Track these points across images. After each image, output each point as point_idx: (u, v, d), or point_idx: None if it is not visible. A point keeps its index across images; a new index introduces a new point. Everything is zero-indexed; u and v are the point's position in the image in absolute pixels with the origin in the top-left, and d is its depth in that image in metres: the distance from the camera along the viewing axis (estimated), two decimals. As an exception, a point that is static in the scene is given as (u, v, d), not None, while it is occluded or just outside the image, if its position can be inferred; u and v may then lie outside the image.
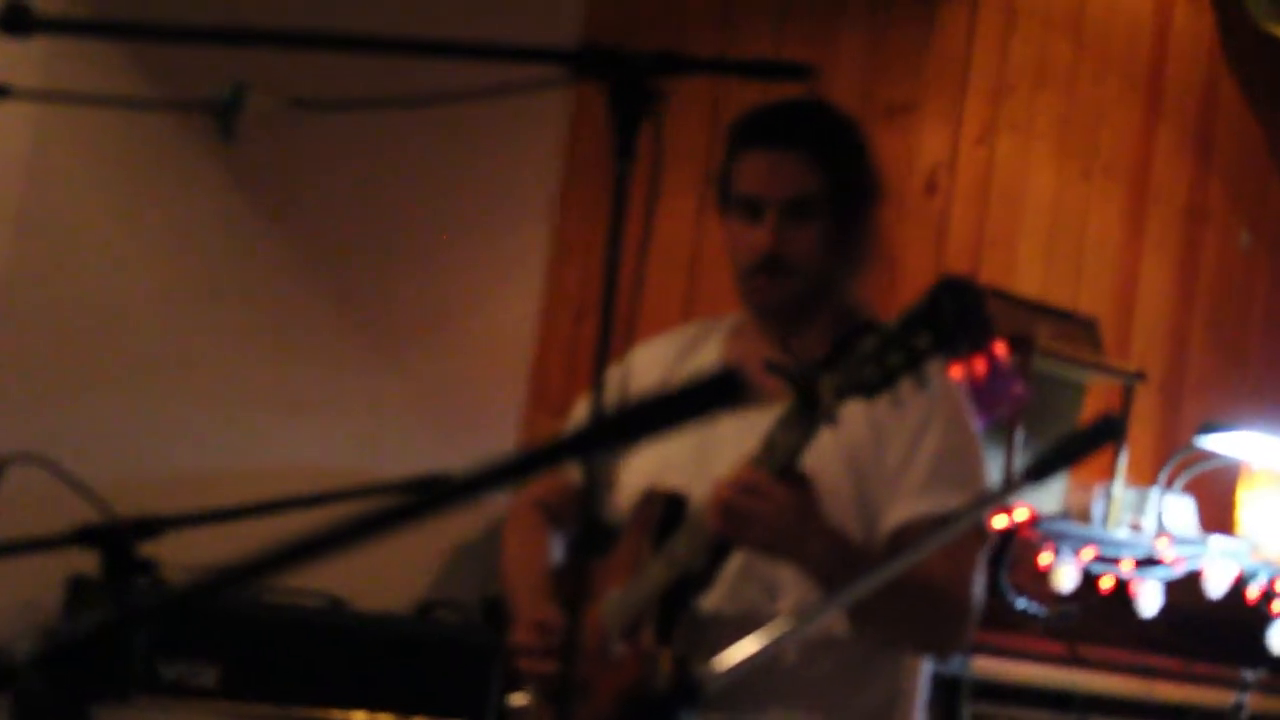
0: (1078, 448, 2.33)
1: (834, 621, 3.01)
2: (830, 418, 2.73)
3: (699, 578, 2.96)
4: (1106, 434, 2.36)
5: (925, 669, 3.21)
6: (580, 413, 3.36)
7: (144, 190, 4.66)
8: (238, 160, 4.68)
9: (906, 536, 2.97)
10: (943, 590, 2.99)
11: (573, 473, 3.23)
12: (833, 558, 2.84)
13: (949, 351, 2.66)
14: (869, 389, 2.66)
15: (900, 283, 5.43)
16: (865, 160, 3.18)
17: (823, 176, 3.08)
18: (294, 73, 4.34)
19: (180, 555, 3.90)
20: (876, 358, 2.64)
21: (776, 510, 2.80)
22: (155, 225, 4.68)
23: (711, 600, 3.00)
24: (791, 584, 2.97)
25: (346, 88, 4.28)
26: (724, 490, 2.82)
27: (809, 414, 2.74)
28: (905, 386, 2.65)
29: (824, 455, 2.91)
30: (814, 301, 3.13)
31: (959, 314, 2.60)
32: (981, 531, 3.11)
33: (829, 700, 3.07)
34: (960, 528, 2.62)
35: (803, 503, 2.83)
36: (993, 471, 4.00)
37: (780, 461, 2.79)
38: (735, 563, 3.00)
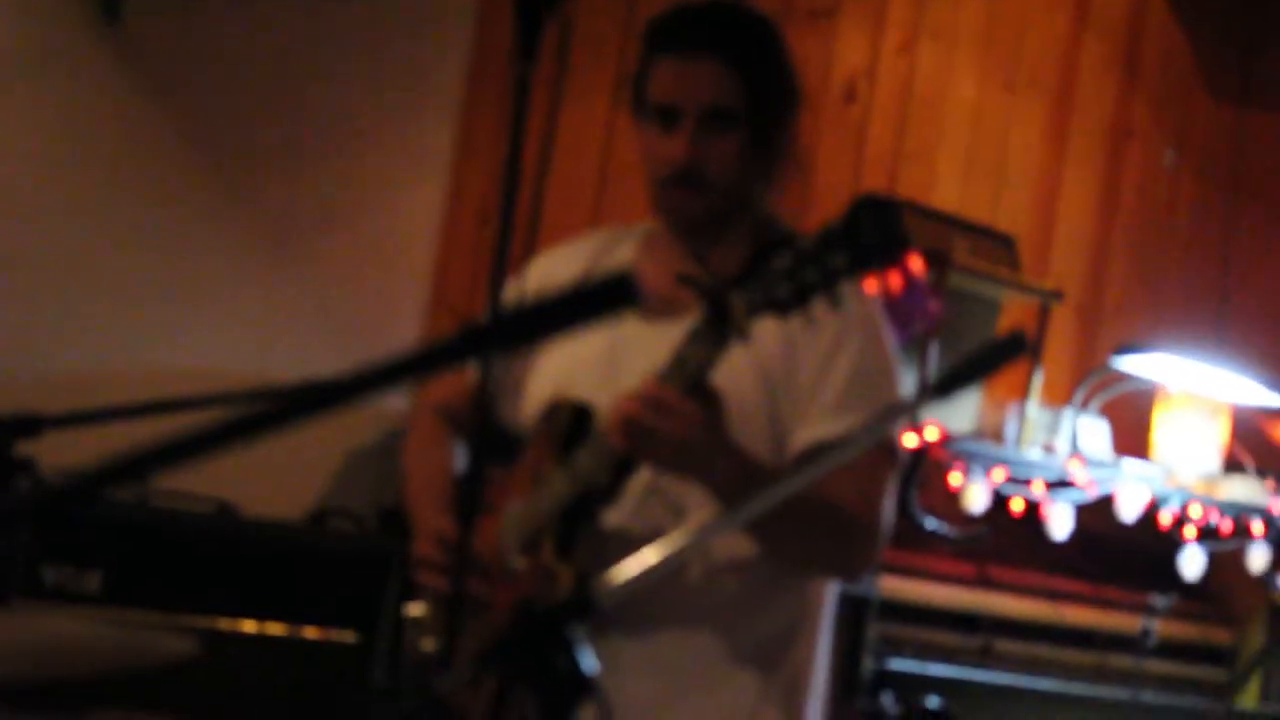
0: (985, 363, 2.26)
1: (740, 543, 2.95)
2: (742, 333, 2.65)
3: (603, 493, 2.90)
4: (1013, 349, 2.29)
5: (832, 591, 3.16)
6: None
7: (24, 74, 4.52)
8: (125, 43, 4.54)
9: (815, 458, 2.88)
10: (851, 513, 2.94)
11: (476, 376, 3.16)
12: (738, 478, 2.78)
13: (865, 271, 2.57)
14: (782, 306, 2.59)
15: (816, 194, 5.37)
16: (784, 66, 3.11)
17: (741, 84, 2.99)
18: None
19: (62, 456, 3.77)
20: (791, 275, 2.57)
21: (681, 427, 2.72)
22: (38, 110, 4.57)
23: (616, 517, 2.95)
24: (698, 504, 2.91)
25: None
26: (628, 404, 2.73)
27: (720, 329, 2.65)
28: (819, 306, 2.56)
29: (736, 372, 2.85)
30: (730, 214, 3.06)
31: (878, 235, 2.51)
32: (894, 452, 3.06)
33: (731, 622, 3.02)
34: (863, 443, 2.55)
35: (709, 420, 2.76)
36: (909, 391, 3.93)
37: (689, 377, 2.71)
38: (641, 480, 2.94)
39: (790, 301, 2.58)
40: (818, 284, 2.55)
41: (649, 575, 2.03)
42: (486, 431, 2.99)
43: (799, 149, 3.17)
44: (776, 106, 3.06)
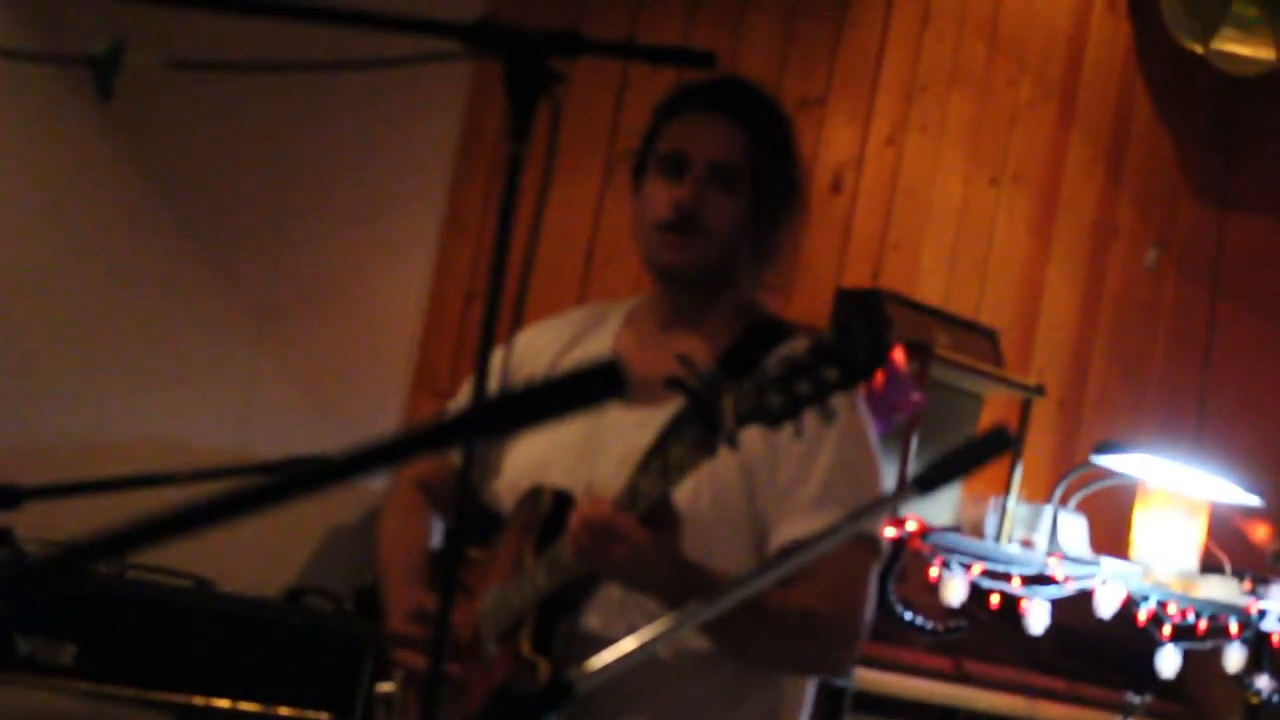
0: (968, 459, 2.24)
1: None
2: (731, 441, 2.62)
3: (583, 586, 2.86)
4: (997, 446, 2.27)
5: (811, 684, 3.13)
6: (465, 398, 3.27)
7: (13, 146, 4.51)
8: (116, 119, 4.55)
9: (794, 555, 2.86)
10: (824, 616, 2.90)
11: (456, 454, 3.13)
12: (690, 596, 2.73)
13: (856, 383, 2.56)
14: (773, 418, 2.55)
15: (800, 282, 5.35)
16: (792, 150, 3.11)
17: (751, 147, 3.02)
18: (179, 31, 4.24)
19: (40, 528, 3.76)
20: (783, 386, 2.53)
21: (632, 553, 2.71)
22: (25, 184, 4.55)
23: (595, 619, 2.90)
24: (679, 611, 2.85)
25: (234, 51, 4.16)
26: (579, 529, 2.71)
27: (708, 435, 2.62)
28: (810, 417, 2.54)
29: (720, 468, 2.82)
30: (717, 279, 3.05)
31: (869, 347, 2.50)
32: (876, 545, 3.02)
33: (708, 715, 2.98)
34: (840, 538, 2.53)
35: (662, 546, 2.75)
36: (890, 484, 3.92)
37: (651, 495, 2.69)
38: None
39: (781, 414, 2.56)
40: (809, 397, 2.54)
41: (624, 663, 2.02)
42: (468, 516, 2.97)
43: (795, 235, 3.17)
44: (781, 181, 3.07)
